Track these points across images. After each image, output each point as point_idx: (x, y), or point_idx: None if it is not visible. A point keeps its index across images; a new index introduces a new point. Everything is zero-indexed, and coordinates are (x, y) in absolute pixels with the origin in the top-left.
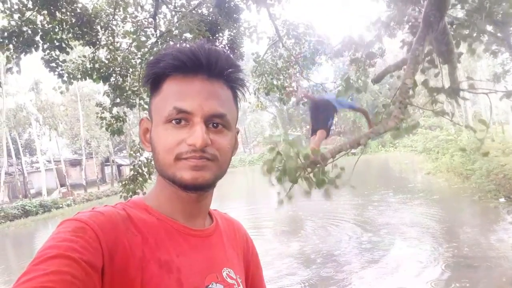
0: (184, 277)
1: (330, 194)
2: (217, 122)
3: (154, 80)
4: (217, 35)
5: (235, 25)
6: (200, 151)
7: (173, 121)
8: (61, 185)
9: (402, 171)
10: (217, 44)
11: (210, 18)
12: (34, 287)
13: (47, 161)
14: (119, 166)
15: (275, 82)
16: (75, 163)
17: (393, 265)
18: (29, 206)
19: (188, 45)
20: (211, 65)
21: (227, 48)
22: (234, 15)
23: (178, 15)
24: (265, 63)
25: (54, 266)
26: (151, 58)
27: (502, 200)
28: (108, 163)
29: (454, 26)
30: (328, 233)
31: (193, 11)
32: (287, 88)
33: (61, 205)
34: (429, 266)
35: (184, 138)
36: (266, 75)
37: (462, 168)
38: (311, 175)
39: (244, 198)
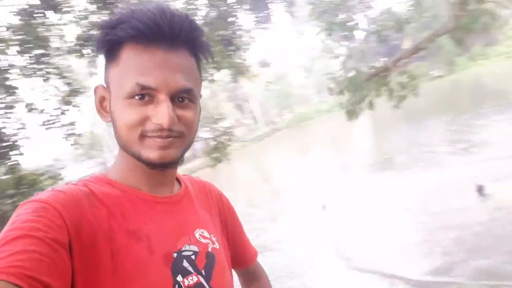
0: (154, 243)
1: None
2: (183, 97)
3: (110, 48)
4: None
5: None
6: (166, 130)
7: (136, 97)
8: None
9: (496, 83)
10: None
11: None
12: (2, 267)
13: None
14: (206, 139)
15: (335, 21)
16: None
17: None
18: None
19: (148, 11)
20: (174, 34)
21: None
22: None
23: None
24: (321, 2)
25: (20, 246)
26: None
27: None
28: (197, 139)
29: None
30: (431, 164)
31: None
32: (348, 24)
33: None
34: None
35: (149, 116)
36: (323, 15)
37: None
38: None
39: (329, 147)
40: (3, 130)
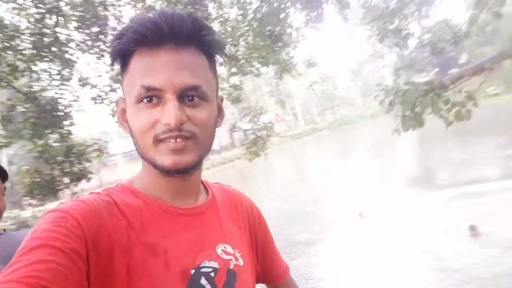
0: (171, 258)
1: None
2: (192, 95)
3: (122, 58)
4: None
5: None
6: (176, 130)
7: (144, 100)
8: None
9: None
10: None
11: None
12: (19, 277)
13: None
14: (245, 131)
15: (388, 27)
16: None
17: None
18: None
19: (149, 15)
20: (175, 33)
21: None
22: None
23: None
24: (375, 7)
25: (38, 256)
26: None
27: None
28: (235, 129)
29: None
30: (475, 186)
31: None
32: (403, 31)
33: (202, 169)
34: None
35: (158, 118)
36: (377, 20)
37: None
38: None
39: (370, 154)
40: (59, 100)
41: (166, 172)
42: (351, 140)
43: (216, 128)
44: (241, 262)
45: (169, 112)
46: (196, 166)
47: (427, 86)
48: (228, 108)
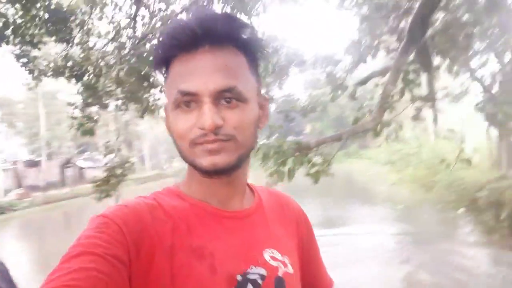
0: (218, 262)
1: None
2: (229, 97)
3: (164, 65)
4: None
5: None
6: (212, 134)
7: (182, 105)
8: (18, 186)
9: (367, 182)
10: None
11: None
12: (56, 286)
13: (4, 160)
14: (80, 168)
15: None
16: (33, 164)
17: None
18: None
19: (185, 20)
20: (208, 34)
21: None
22: None
23: (156, 19)
24: None
25: (78, 264)
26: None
27: (462, 210)
28: (68, 165)
29: (433, 40)
30: None
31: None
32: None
33: (18, 207)
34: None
35: (195, 122)
36: None
37: (425, 179)
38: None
39: None
40: None
41: (206, 173)
42: None
43: (46, 162)
44: (290, 269)
45: (204, 116)
46: (235, 166)
47: (296, 145)
48: (65, 141)
